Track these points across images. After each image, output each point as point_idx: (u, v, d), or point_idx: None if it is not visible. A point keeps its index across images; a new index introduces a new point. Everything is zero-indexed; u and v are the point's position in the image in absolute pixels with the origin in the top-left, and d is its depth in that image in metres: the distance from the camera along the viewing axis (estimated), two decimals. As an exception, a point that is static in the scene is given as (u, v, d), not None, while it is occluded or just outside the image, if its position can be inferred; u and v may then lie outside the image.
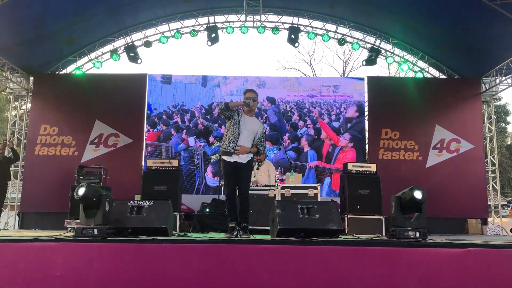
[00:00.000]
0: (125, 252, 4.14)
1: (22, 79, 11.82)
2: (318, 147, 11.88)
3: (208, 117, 12.06)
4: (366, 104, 12.15)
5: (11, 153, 9.57)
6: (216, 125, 11.97)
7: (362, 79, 12.42)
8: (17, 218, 11.17)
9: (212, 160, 11.73)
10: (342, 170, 10.99)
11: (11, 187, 11.43)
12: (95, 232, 4.57)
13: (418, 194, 4.91)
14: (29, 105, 11.95)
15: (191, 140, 11.87)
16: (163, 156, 11.61)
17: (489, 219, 11.43)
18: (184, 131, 11.95)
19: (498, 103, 25.27)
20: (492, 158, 11.92)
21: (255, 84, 12.17)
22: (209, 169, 11.75)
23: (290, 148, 11.80)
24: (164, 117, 12.05)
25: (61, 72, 12.25)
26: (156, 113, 12.02)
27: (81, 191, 4.74)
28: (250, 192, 7.76)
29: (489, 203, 11.55)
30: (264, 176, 8.54)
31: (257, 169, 8.65)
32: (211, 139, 11.91)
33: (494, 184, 11.83)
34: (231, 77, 12.40)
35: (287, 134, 11.94)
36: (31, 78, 11.89)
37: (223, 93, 12.22)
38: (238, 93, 12.14)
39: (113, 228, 4.88)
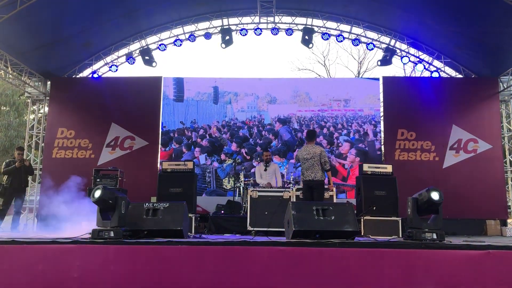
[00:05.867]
0: (141, 254, 4.17)
1: (39, 83, 12.01)
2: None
3: (217, 135, 12.09)
4: (382, 104, 12.04)
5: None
6: (228, 141, 12.04)
7: (377, 79, 12.34)
8: (35, 220, 11.34)
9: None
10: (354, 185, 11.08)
11: (30, 189, 11.59)
12: (112, 234, 4.61)
13: (435, 195, 4.85)
14: (46, 108, 12.12)
15: (202, 158, 11.90)
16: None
17: (509, 220, 11.23)
18: (197, 149, 11.99)
19: (516, 102, 24.83)
20: (510, 158, 11.71)
21: (266, 101, 12.20)
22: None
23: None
24: (176, 135, 12.10)
25: (77, 76, 12.41)
26: (165, 130, 12.06)
27: (97, 193, 4.79)
28: (264, 193, 7.89)
29: (508, 203, 11.36)
30: (272, 177, 8.61)
31: (265, 170, 8.72)
32: (222, 156, 11.91)
33: (513, 185, 11.63)
34: (242, 93, 12.38)
35: (297, 150, 11.83)
36: (48, 82, 12.08)
37: (235, 109, 12.26)
38: (249, 110, 12.22)
39: (129, 230, 4.92)
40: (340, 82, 13.90)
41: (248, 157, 11.84)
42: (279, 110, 12.23)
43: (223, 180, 11.78)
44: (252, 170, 11.36)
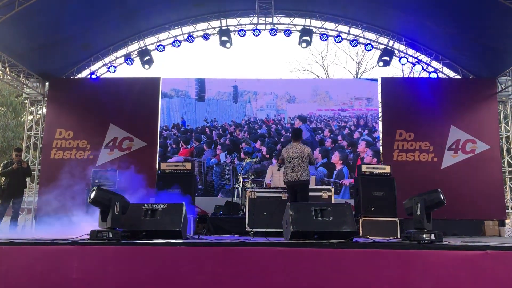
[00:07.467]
0: (139, 255, 4.17)
1: (38, 84, 11.99)
2: (352, 163, 11.70)
3: (240, 136, 12.16)
4: (380, 105, 12.05)
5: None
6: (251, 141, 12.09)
7: (376, 80, 12.34)
8: (33, 221, 11.32)
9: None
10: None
11: (28, 191, 11.58)
12: (110, 235, 4.60)
13: (443, 196, 4.91)
14: (45, 109, 12.12)
15: (222, 156, 11.97)
16: (195, 171, 11.64)
17: (507, 221, 11.24)
18: (218, 146, 12.04)
19: (514, 103, 24.82)
20: (509, 159, 11.73)
21: (285, 100, 12.22)
22: None
23: (320, 164, 11.66)
24: (194, 134, 12.18)
25: (76, 77, 12.40)
26: (189, 128, 12.18)
27: (92, 194, 4.79)
28: (263, 194, 7.87)
29: (506, 204, 11.37)
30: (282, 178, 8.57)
31: (278, 170, 8.67)
32: (242, 154, 11.93)
33: (511, 185, 11.64)
34: (261, 92, 12.40)
35: (317, 149, 11.76)
36: (47, 83, 12.06)
37: (254, 108, 12.33)
38: (268, 109, 12.28)
39: (127, 231, 4.92)
40: (361, 82, 13.79)
41: (267, 156, 11.85)
42: (299, 109, 12.21)
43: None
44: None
